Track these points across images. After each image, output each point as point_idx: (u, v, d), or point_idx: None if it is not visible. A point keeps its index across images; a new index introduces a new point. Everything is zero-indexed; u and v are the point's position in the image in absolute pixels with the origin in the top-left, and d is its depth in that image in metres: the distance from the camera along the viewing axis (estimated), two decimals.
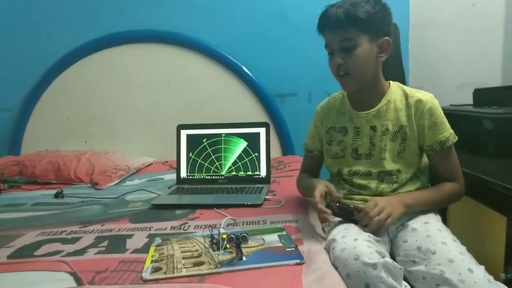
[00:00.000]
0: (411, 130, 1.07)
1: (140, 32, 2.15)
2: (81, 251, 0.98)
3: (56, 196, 1.55)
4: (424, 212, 1.05)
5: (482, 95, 1.67)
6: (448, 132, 1.06)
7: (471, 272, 0.82)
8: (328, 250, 0.92)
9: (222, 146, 1.62)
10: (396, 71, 1.83)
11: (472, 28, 2.09)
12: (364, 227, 0.96)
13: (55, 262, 0.93)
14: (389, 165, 1.08)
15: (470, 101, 1.74)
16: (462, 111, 1.56)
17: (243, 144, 1.61)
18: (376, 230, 0.95)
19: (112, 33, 2.16)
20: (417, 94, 1.09)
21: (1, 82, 2.21)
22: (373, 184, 1.09)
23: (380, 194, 1.08)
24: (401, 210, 0.99)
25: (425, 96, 1.07)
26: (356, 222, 0.98)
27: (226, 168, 1.60)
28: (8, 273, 0.88)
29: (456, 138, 1.07)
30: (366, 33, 1.01)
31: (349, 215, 1.00)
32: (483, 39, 2.09)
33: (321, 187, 1.04)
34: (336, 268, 0.84)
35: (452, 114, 1.51)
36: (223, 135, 1.63)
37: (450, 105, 1.75)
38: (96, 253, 0.97)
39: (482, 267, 0.85)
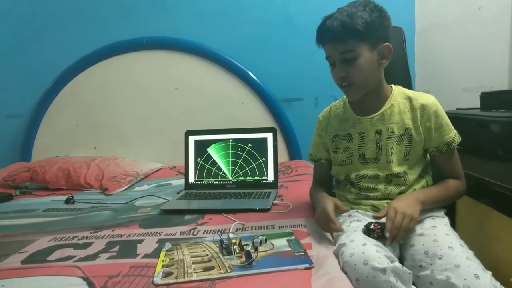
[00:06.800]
0: (417, 132, 1.08)
1: (147, 39, 2.18)
2: (93, 256, 1.00)
3: (67, 202, 1.57)
4: (432, 216, 1.06)
5: (489, 99, 1.67)
6: (453, 133, 1.09)
7: (477, 278, 0.81)
8: (337, 254, 0.93)
9: (230, 151, 1.63)
10: (402, 75, 1.83)
11: (478, 31, 2.09)
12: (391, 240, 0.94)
13: (68, 267, 0.94)
14: (396, 168, 1.09)
15: (476, 105, 1.74)
16: (469, 114, 1.56)
17: (250, 149, 1.62)
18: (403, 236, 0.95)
19: (120, 41, 2.20)
20: (421, 96, 1.10)
21: (12, 90, 2.27)
22: (381, 186, 1.11)
23: (388, 196, 1.10)
24: (419, 207, 0.99)
25: (429, 98, 1.09)
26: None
27: (234, 173, 1.61)
28: (23, 278, 0.89)
29: (460, 137, 1.10)
30: (366, 42, 1.01)
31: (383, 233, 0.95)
32: (489, 43, 2.09)
33: (330, 204, 1.04)
34: (345, 273, 0.85)
35: (459, 118, 1.52)
36: (230, 140, 1.64)
37: (457, 108, 1.75)
38: (107, 258, 0.98)
39: (489, 273, 0.84)
